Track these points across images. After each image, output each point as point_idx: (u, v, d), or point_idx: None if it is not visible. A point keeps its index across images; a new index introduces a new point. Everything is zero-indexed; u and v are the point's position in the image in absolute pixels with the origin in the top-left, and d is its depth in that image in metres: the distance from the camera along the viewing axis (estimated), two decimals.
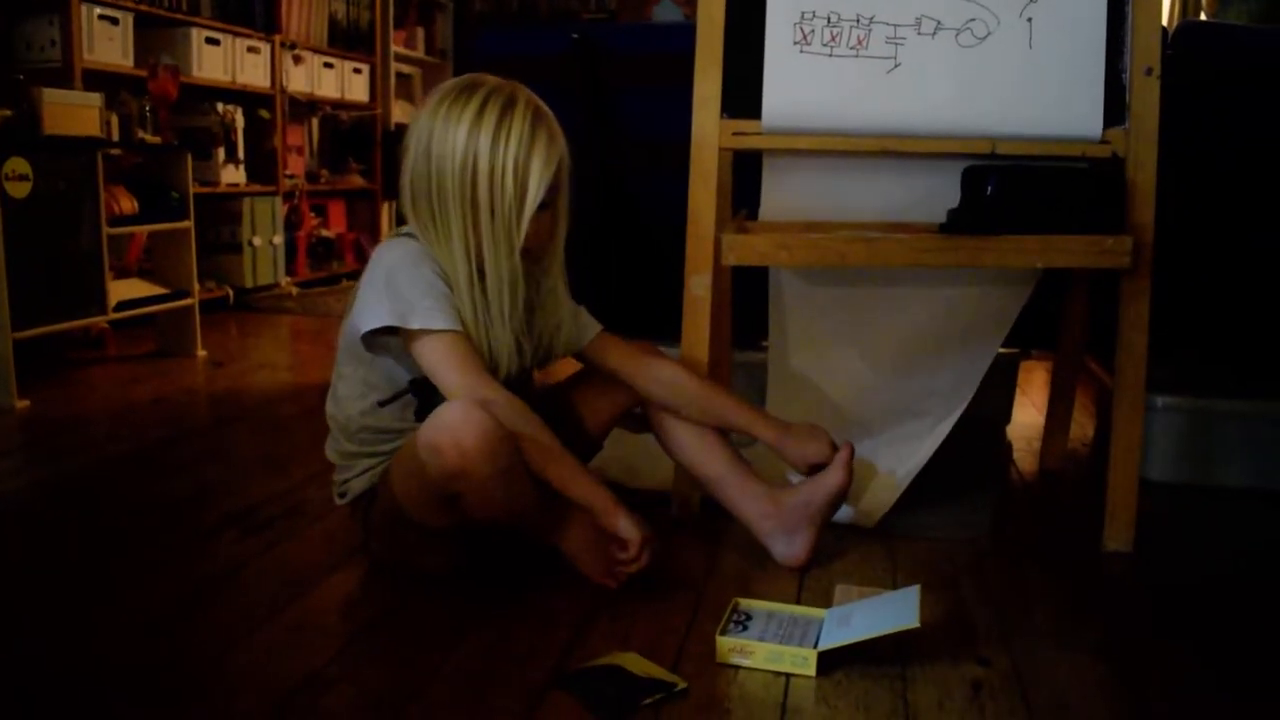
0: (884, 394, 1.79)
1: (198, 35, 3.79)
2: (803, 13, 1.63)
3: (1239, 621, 1.39)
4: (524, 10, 5.79)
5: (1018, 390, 2.46)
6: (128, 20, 3.49)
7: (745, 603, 1.34)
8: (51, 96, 2.65)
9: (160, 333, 3.15)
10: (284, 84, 4.35)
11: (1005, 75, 1.60)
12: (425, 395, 1.42)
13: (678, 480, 1.69)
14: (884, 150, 1.64)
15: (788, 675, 1.19)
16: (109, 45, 3.40)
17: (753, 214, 1.78)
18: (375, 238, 5.04)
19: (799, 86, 1.63)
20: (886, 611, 1.26)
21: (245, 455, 2.10)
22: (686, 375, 1.57)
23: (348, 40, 4.99)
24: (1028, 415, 2.47)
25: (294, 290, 4.27)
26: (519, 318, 1.42)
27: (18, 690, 1.15)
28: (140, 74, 3.38)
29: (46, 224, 2.56)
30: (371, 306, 1.37)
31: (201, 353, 3.09)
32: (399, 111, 5.26)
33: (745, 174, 1.78)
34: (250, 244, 3.98)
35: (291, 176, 4.45)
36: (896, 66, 1.61)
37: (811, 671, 1.19)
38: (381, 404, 1.44)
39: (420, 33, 5.68)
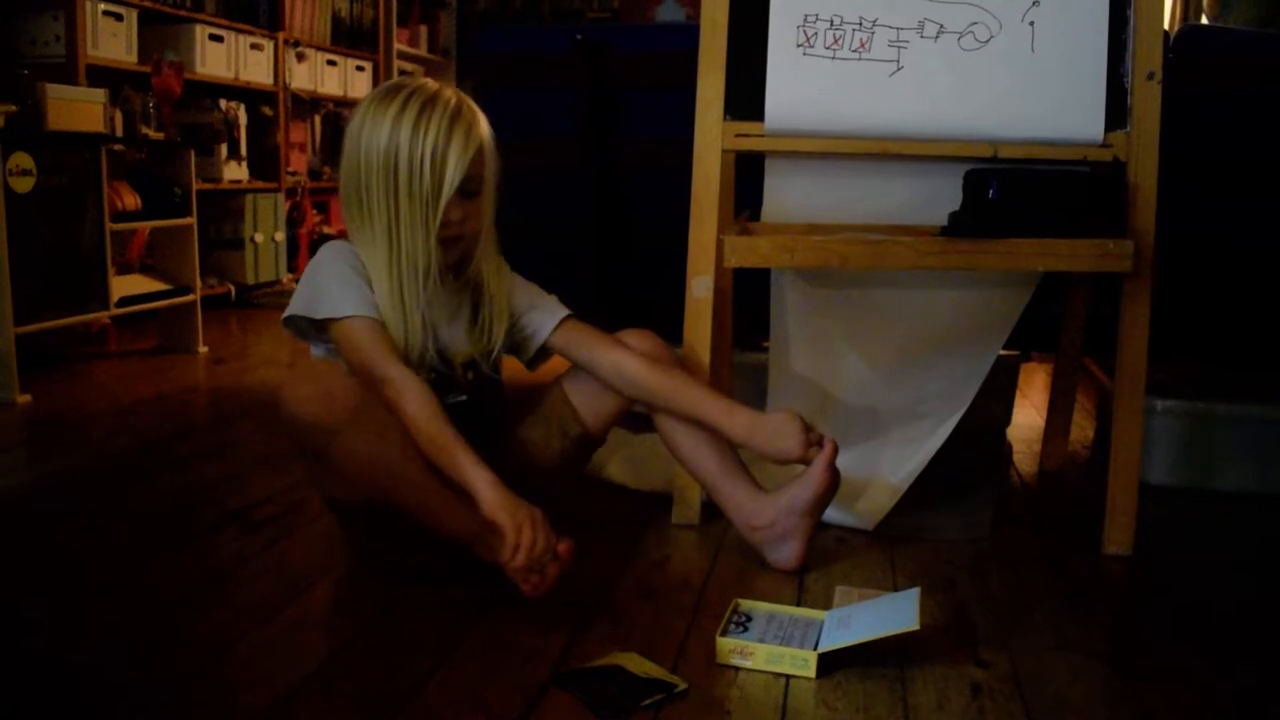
0: (885, 396, 1.79)
1: (201, 32, 3.79)
2: (806, 15, 1.63)
3: (1238, 624, 1.40)
4: (527, 9, 5.79)
5: (1018, 392, 2.46)
6: (132, 16, 3.50)
7: (746, 604, 1.34)
8: (55, 92, 2.66)
9: (162, 329, 3.16)
10: (287, 81, 4.35)
11: (1007, 79, 1.60)
12: None
13: (679, 480, 1.69)
14: (886, 153, 1.64)
15: (788, 677, 1.20)
16: (113, 41, 3.40)
17: (755, 215, 1.78)
18: None
19: (802, 89, 1.63)
20: (886, 613, 1.26)
21: (246, 452, 2.10)
22: (648, 367, 1.52)
23: (351, 38, 5.00)
24: (1028, 417, 2.47)
25: (295, 287, 4.27)
26: (440, 305, 1.46)
27: (16, 687, 1.15)
28: (144, 70, 3.39)
29: (49, 219, 2.57)
30: (292, 299, 1.48)
31: (203, 349, 3.10)
32: None
33: (748, 176, 1.78)
34: (252, 241, 3.98)
35: (294, 173, 4.46)
36: (899, 69, 1.62)
37: (811, 673, 1.19)
38: None
39: (423, 31, 5.69)
